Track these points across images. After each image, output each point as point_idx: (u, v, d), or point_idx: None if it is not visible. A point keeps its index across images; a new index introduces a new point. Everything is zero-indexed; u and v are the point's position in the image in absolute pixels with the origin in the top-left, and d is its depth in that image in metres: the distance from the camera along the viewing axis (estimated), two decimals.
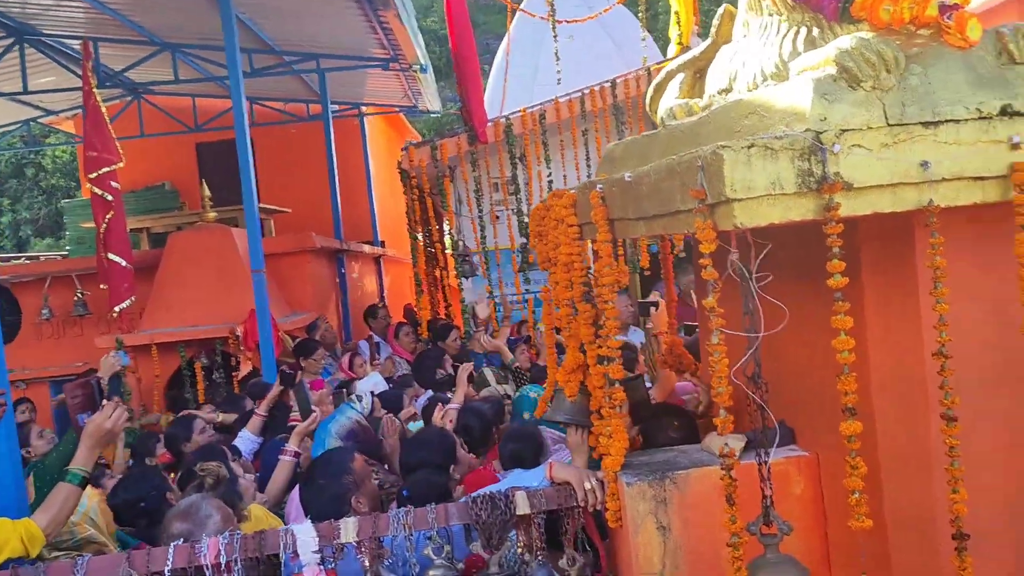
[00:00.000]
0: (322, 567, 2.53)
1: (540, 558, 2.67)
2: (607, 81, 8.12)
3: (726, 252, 1.97)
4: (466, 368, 4.84)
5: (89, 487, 3.03)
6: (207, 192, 8.05)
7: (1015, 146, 1.88)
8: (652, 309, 5.73)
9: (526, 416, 4.30)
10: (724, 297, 1.99)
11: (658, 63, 8.19)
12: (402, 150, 8.01)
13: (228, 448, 4.32)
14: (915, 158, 1.86)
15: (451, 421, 4.13)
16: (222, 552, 2.50)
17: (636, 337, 5.86)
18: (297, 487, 3.44)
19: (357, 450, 3.71)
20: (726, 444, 2.05)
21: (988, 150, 1.88)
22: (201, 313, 7.32)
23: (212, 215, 7.98)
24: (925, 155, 1.86)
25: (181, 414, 5.39)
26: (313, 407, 4.33)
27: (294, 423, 4.52)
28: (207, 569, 2.48)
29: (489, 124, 7.89)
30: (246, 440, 4.69)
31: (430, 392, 5.28)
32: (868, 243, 2.21)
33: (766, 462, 2.06)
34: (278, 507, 3.81)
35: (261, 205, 8.39)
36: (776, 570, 2.01)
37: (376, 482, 3.44)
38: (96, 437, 2.97)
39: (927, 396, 2.09)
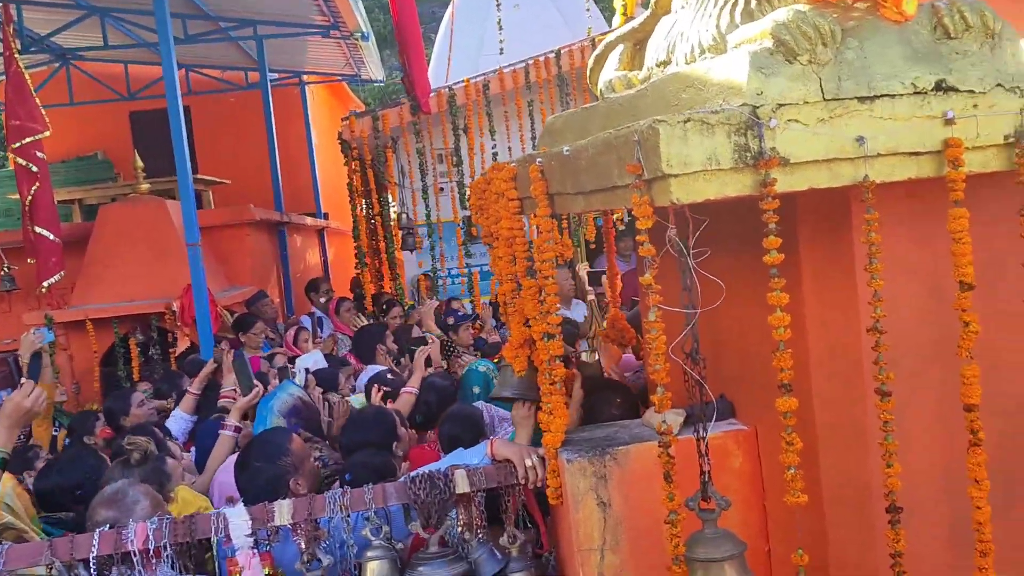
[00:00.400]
0: (256, 550, 2.47)
1: (480, 536, 2.65)
2: (552, 51, 8.04)
3: (664, 228, 1.94)
4: (423, 351, 4.76)
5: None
6: (140, 163, 7.79)
7: (949, 121, 1.88)
8: (604, 278, 5.72)
9: (475, 390, 4.27)
10: (662, 273, 1.96)
11: (603, 33, 8.13)
12: (343, 120, 7.84)
13: (162, 431, 4.21)
14: (851, 133, 1.84)
15: (407, 405, 4.09)
16: (150, 538, 2.42)
17: (579, 311, 5.85)
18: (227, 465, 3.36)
19: (300, 428, 3.65)
20: (664, 421, 2.04)
21: (923, 125, 1.88)
22: (135, 288, 7.12)
23: (146, 187, 7.74)
24: (861, 130, 1.85)
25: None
26: (256, 382, 4.22)
27: (226, 400, 4.42)
28: (134, 555, 2.40)
29: (432, 94, 7.76)
30: (178, 420, 4.57)
31: (374, 368, 5.20)
32: (805, 219, 2.21)
33: (704, 438, 2.05)
34: None
35: (198, 176, 8.18)
36: (714, 545, 2.01)
37: (319, 461, 3.37)
38: (14, 417, 2.86)
39: (863, 372, 2.10)
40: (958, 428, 2.03)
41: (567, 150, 2.31)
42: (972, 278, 1.88)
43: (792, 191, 1.85)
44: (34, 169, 6.43)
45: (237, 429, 3.83)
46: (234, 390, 4.62)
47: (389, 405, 4.03)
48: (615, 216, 6.53)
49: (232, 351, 4.68)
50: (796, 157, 1.82)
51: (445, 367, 5.26)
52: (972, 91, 1.90)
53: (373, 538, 2.55)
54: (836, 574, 2.28)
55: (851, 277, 2.11)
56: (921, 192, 2.16)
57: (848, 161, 1.86)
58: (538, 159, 2.56)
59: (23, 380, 2.98)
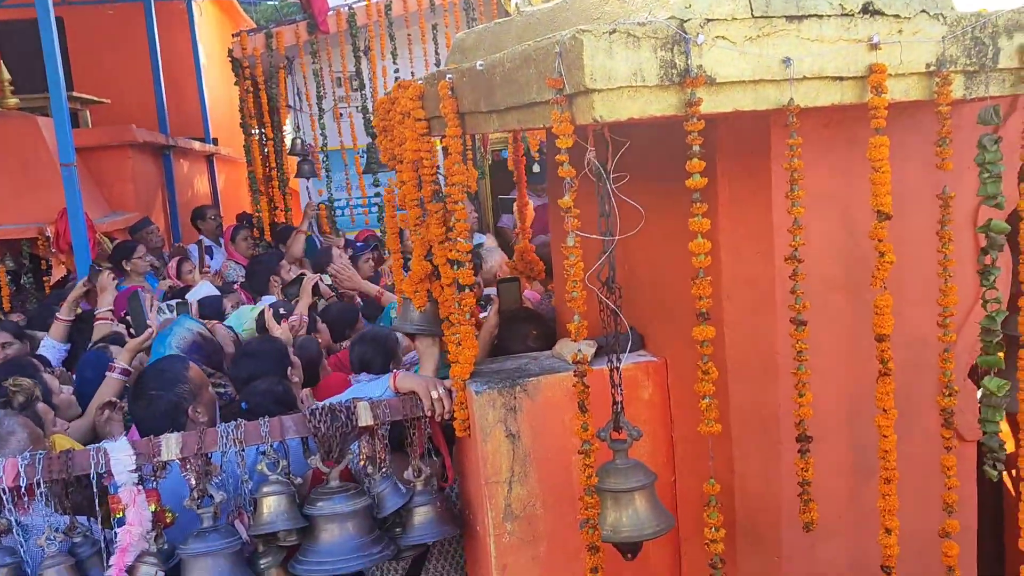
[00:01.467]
0: (141, 487, 2.30)
1: (384, 470, 2.56)
2: None
3: (583, 150, 1.85)
4: (311, 279, 4.58)
5: None
6: (7, 75, 7.16)
7: (874, 46, 1.84)
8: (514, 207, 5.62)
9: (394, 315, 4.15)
10: (579, 200, 1.88)
11: None
12: (233, 36, 7.38)
13: (38, 359, 3.92)
14: (778, 54, 1.78)
15: (293, 330, 3.90)
16: (22, 474, 2.23)
17: (479, 241, 5.75)
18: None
19: (201, 364, 3.43)
20: (579, 350, 1.97)
21: (849, 49, 1.83)
22: (4, 212, 6.59)
23: (13, 101, 7.13)
24: (788, 51, 1.78)
25: None
26: (149, 321, 3.94)
27: (102, 321, 4.14)
28: (4, 493, 2.21)
29: (331, 13, 7.38)
30: (50, 349, 4.24)
31: (268, 299, 4.97)
32: (724, 146, 2.16)
33: (618, 368, 2.00)
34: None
35: (73, 94, 7.58)
36: (625, 475, 1.98)
37: (221, 392, 3.17)
38: None
39: (775, 301, 2.09)
40: (866, 358, 2.04)
41: (481, 65, 2.17)
42: (890, 208, 1.86)
43: (716, 112, 1.78)
44: None
45: (126, 372, 3.52)
46: (110, 311, 4.35)
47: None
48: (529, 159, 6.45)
49: (114, 277, 4.39)
50: (722, 77, 1.75)
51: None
52: (898, 15, 1.86)
53: (269, 473, 2.43)
54: (740, 503, 2.30)
55: (767, 206, 2.08)
56: (838, 122, 2.13)
57: (773, 83, 1.80)
58: (448, 75, 2.41)
59: None
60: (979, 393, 2.16)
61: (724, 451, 2.27)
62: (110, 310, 4.41)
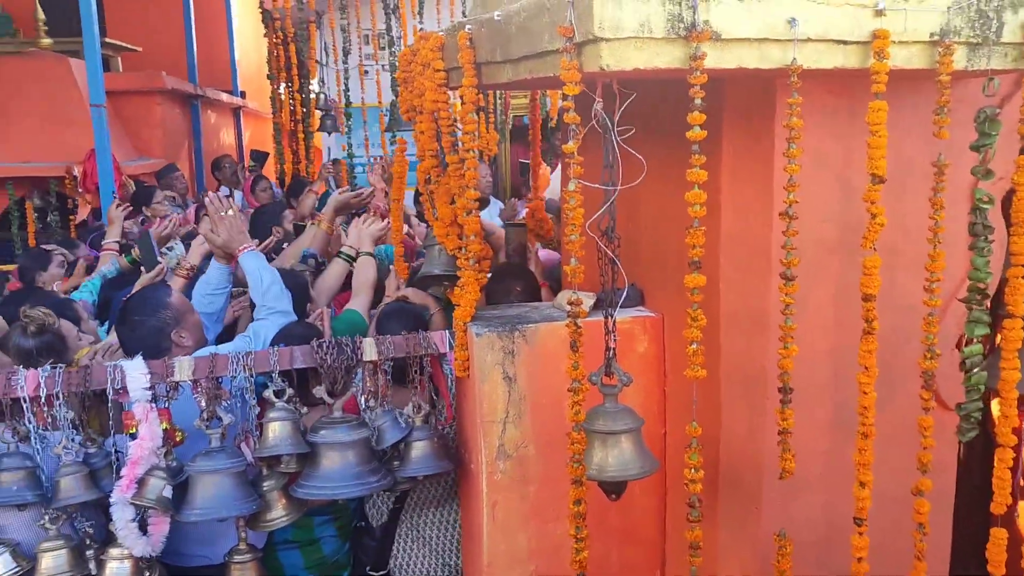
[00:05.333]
0: (153, 405, 2.42)
1: (385, 406, 2.66)
2: None
3: (590, 100, 1.92)
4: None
5: None
6: (42, 15, 7.26)
7: (879, 12, 1.88)
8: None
9: None
10: (586, 150, 1.94)
11: None
12: None
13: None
14: (784, 14, 1.83)
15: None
16: (42, 385, 2.34)
17: (495, 208, 5.80)
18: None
19: None
20: (575, 293, 2.05)
21: (855, 13, 1.88)
22: (34, 149, 6.72)
23: (48, 41, 7.23)
24: (794, 12, 1.83)
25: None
26: (159, 258, 4.07)
27: (108, 251, 4.29)
28: (24, 402, 2.33)
29: None
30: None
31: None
32: (730, 106, 2.22)
33: (612, 314, 2.07)
34: None
35: (106, 40, 7.68)
36: (613, 418, 2.05)
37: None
38: None
39: (770, 257, 2.16)
40: (852, 318, 2.10)
41: (498, 15, 2.24)
42: (884, 171, 1.92)
43: (721, 68, 1.83)
44: None
45: None
46: (117, 242, 4.50)
47: None
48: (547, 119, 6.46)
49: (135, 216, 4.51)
50: (728, 33, 1.80)
51: None
52: None
53: (276, 400, 2.54)
54: (725, 454, 2.38)
55: (769, 164, 2.14)
56: (842, 89, 2.19)
57: (778, 43, 1.85)
58: (467, 26, 2.48)
59: None
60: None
61: (712, 403, 2.35)
62: (117, 242, 4.56)
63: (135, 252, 4.24)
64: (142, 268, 4.03)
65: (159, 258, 4.06)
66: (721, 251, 2.24)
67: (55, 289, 4.18)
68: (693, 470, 2.03)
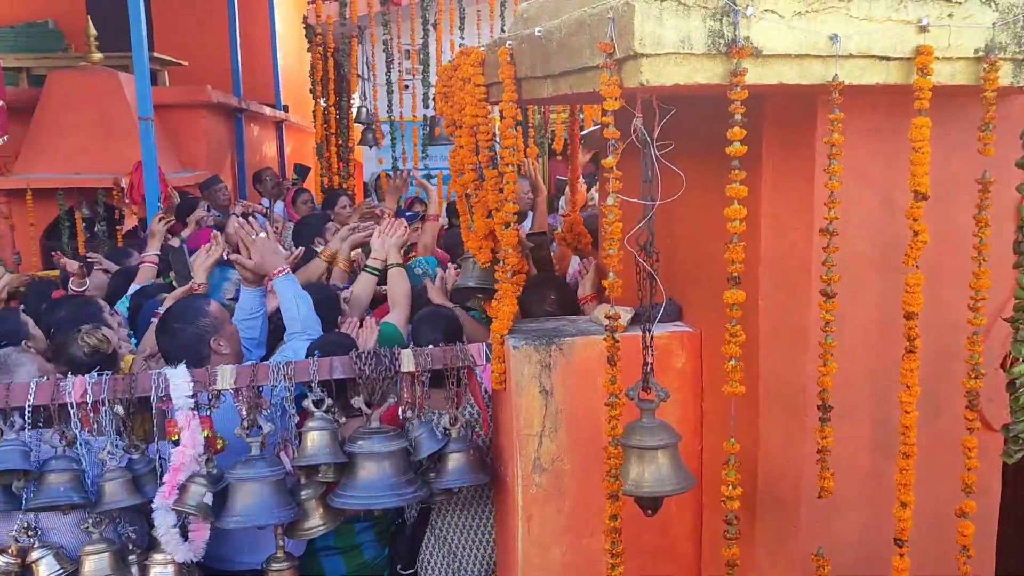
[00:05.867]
0: (195, 413, 2.46)
1: (422, 416, 2.68)
2: None
3: (630, 116, 1.92)
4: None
5: None
6: (93, 31, 7.45)
7: (923, 28, 1.87)
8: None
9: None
10: (625, 166, 1.95)
11: None
12: (309, 3, 7.57)
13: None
14: (826, 30, 1.83)
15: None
16: (88, 391, 2.40)
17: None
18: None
19: None
20: (612, 307, 2.05)
21: (897, 29, 1.87)
22: (83, 160, 6.90)
23: (98, 56, 7.42)
24: (836, 28, 1.83)
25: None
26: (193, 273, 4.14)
27: (147, 264, 4.37)
28: (71, 407, 2.38)
29: None
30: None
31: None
32: (772, 122, 2.21)
33: (650, 329, 2.07)
34: None
35: (154, 55, 7.86)
36: (650, 433, 2.04)
37: None
38: None
39: (810, 273, 2.14)
40: (894, 336, 2.08)
41: (539, 31, 2.26)
42: (927, 188, 1.90)
43: (762, 84, 1.84)
44: None
45: None
46: (156, 255, 4.58)
47: None
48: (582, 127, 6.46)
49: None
50: (769, 49, 1.80)
51: None
52: None
53: (315, 410, 2.57)
54: (763, 472, 2.36)
55: (809, 180, 2.13)
56: (885, 106, 2.17)
57: (819, 59, 1.85)
58: (508, 42, 2.51)
59: None
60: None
61: (751, 421, 2.33)
62: (156, 255, 4.65)
63: (172, 275, 4.31)
64: (174, 283, 4.11)
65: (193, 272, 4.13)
66: (760, 267, 2.23)
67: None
68: (731, 487, 2.02)
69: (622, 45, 1.79)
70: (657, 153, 1.95)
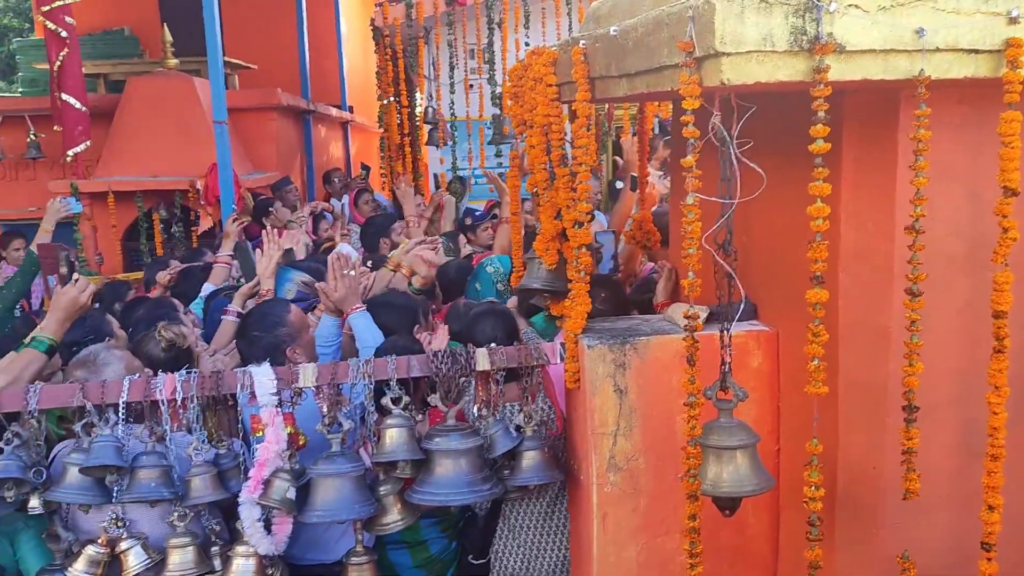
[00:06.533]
0: (279, 410, 2.53)
1: (496, 415, 2.71)
2: None
3: (708, 115, 1.92)
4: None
5: None
6: (169, 37, 7.68)
7: (1013, 20, 1.83)
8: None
9: (477, 286, 4.29)
10: (702, 165, 1.95)
11: None
12: (376, 5, 7.67)
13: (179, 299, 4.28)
14: (911, 24, 1.79)
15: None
16: (178, 389, 2.49)
17: (602, 221, 5.81)
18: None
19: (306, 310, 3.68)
20: (691, 307, 2.05)
21: (986, 22, 1.82)
22: (160, 163, 7.12)
23: (173, 62, 7.65)
24: (922, 22, 1.80)
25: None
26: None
27: (220, 264, 4.49)
28: (162, 404, 2.47)
29: None
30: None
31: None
32: (851, 118, 2.17)
33: (727, 328, 2.06)
34: None
35: (225, 59, 8.05)
36: (728, 433, 2.04)
37: None
38: (70, 311, 2.95)
39: (892, 271, 2.11)
40: (981, 336, 2.04)
41: (615, 30, 2.26)
42: (1017, 184, 1.85)
43: (844, 80, 1.81)
44: (63, 35, 6.37)
45: (239, 315, 3.83)
46: (230, 255, 4.71)
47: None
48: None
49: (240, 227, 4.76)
50: (852, 45, 1.78)
51: None
52: None
53: (393, 408, 2.62)
54: (843, 474, 2.33)
55: (891, 176, 2.09)
56: (972, 99, 2.12)
57: (905, 53, 1.82)
58: (581, 41, 2.51)
59: (76, 276, 3.07)
60: None
61: (830, 421, 2.30)
62: (230, 255, 4.77)
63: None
64: (242, 279, 4.22)
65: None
66: (840, 265, 2.19)
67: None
68: (813, 488, 2.00)
69: (702, 44, 1.78)
70: (736, 151, 1.94)
